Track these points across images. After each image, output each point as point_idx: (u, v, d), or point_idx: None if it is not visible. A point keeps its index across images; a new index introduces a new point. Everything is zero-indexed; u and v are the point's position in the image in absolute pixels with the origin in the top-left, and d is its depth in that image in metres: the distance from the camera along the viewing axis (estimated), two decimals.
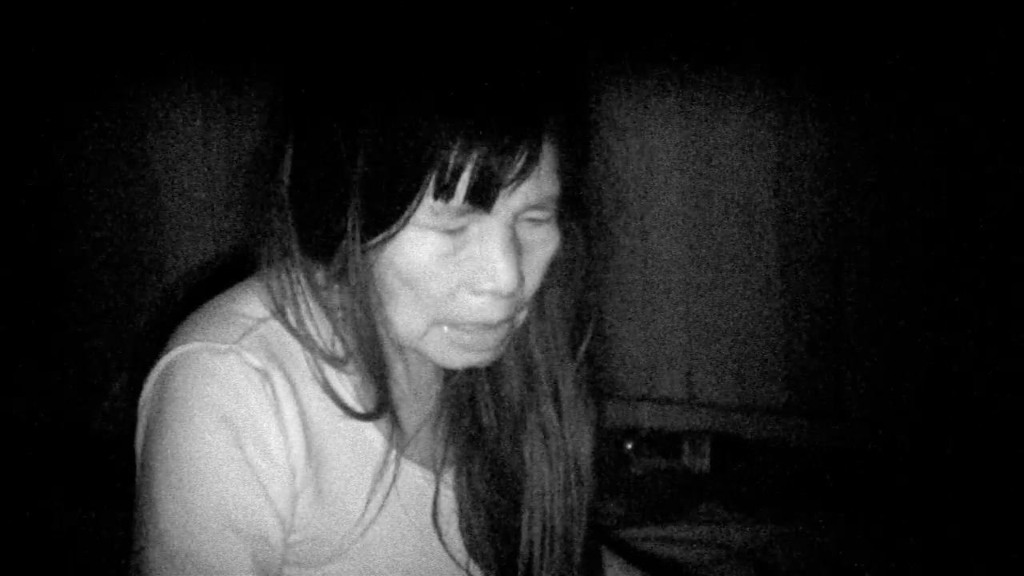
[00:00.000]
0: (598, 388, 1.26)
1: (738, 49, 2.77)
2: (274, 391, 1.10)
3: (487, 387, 1.25)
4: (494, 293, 1.10)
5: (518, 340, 1.22)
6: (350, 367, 1.16)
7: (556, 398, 1.24)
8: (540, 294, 1.19)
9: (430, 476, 1.22)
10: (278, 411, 1.10)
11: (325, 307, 1.15)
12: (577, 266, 1.21)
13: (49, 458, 2.81)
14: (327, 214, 1.09)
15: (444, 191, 1.06)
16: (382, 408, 1.16)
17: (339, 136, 1.07)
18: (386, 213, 1.06)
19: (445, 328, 1.12)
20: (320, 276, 1.15)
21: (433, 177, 1.05)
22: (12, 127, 3.14)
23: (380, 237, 1.08)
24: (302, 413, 1.12)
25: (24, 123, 3.15)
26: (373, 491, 1.16)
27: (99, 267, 3.22)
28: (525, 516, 1.24)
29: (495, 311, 1.11)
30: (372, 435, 1.17)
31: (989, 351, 2.68)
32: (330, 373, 1.15)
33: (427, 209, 1.07)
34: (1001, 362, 2.66)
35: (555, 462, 1.24)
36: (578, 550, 1.27)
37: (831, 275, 2.83)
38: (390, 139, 1.05)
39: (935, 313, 2.73)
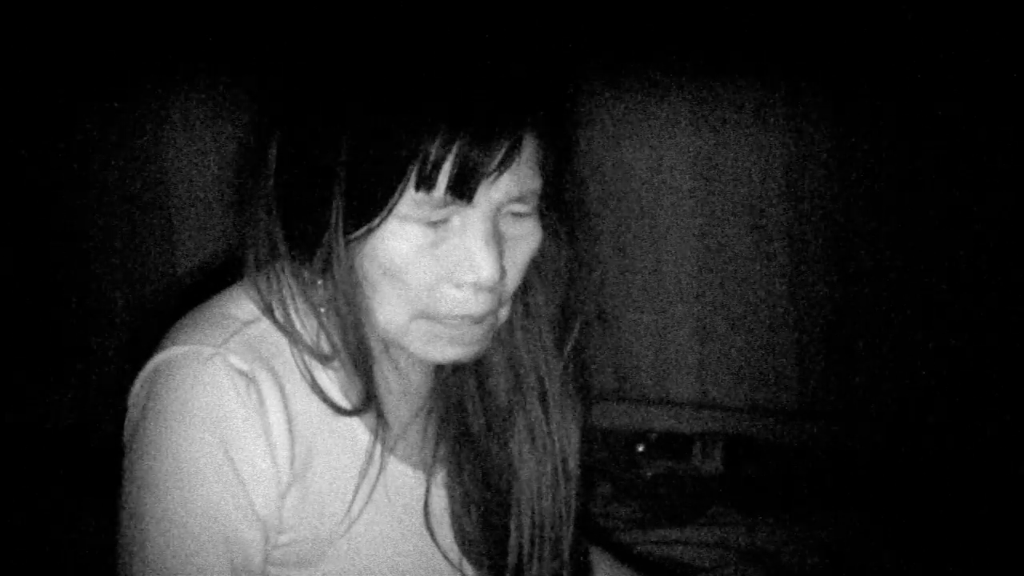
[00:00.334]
0: (585, 387, 1.27)
1: (748, 54, 2.77)
2: (260, 394, 1.11)
3: (475, 387, 1.25)
4: (475, 286, 1.10)
5: (504, 339, 1.22)
6: (336, 363, 1.16)
7: (543, 397, 1.24)
8: (525, 293, 1.20)
9: (421, 476, 1.23)
10: (263, 414, 1.11)
11: (311, 303, 1.16)
12: (562, 265, 1.22)
13: (49, 458, 2.82)
14: (311, 207, 1.10)
15: (426, 182, 1.07)
16: (367, 403, 1.16)
17: (322, 129, 1.09)
18: (369, 204, 1.07)
19: (426, 322, 1.12)
20: (307, 273, 1.15)
21: (415, 168, 1.06)
22: (12, 127, 3.15)
23: (363, 229, 1.08)
24: (290, 413, 1.13)
25: (24, 123, 3.16)
26: (358, 487, 1.16)
27: (106, 268, 3.23)
28: (514, 514, 1.25)
29: (477, 304, 1.11)
30: (360, 432, 1.18)
31: (1000, 354, 2.67)
32: (317, 370, 1.15)
33: (409, 200, 1.08)
34: (1012, 365, 2.64)
35: (543, 461, 1.25)
36: (567, 547, 1.27)
37: (841, 278, 2.82)
38: (373, 131, 1.06)
39: (945, 316, 2.72)
